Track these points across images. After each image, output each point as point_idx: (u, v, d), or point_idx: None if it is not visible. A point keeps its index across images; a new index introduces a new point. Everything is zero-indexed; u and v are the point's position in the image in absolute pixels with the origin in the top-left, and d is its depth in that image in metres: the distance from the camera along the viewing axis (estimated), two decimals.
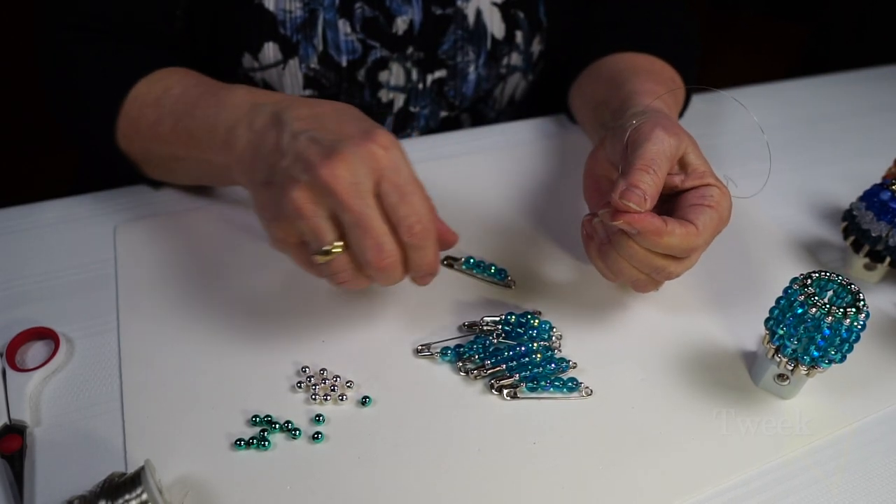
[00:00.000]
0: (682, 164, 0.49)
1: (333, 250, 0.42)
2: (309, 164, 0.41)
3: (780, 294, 0.46)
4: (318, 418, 0.45)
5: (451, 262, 0.56)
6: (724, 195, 0.48)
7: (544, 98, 0.79)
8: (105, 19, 0.58)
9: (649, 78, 0.60)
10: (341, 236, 0.42)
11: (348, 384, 0.47)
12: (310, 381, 0.47)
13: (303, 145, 0.42)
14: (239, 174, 0.48)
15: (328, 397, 0.46)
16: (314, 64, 0.65)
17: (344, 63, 0.66)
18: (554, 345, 0.50)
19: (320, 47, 0.64)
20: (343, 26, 0.64)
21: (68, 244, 0.57)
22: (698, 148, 0.50)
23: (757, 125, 0.62)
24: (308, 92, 0.67)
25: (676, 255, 0.47)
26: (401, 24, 0.66)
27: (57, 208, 0.60)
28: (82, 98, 0.57)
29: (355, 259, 0.42)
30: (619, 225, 0.45)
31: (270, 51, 0.63)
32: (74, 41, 0.58)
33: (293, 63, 0.64)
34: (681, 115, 0.70)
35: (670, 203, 0.49)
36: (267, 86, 0.66)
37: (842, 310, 0.42)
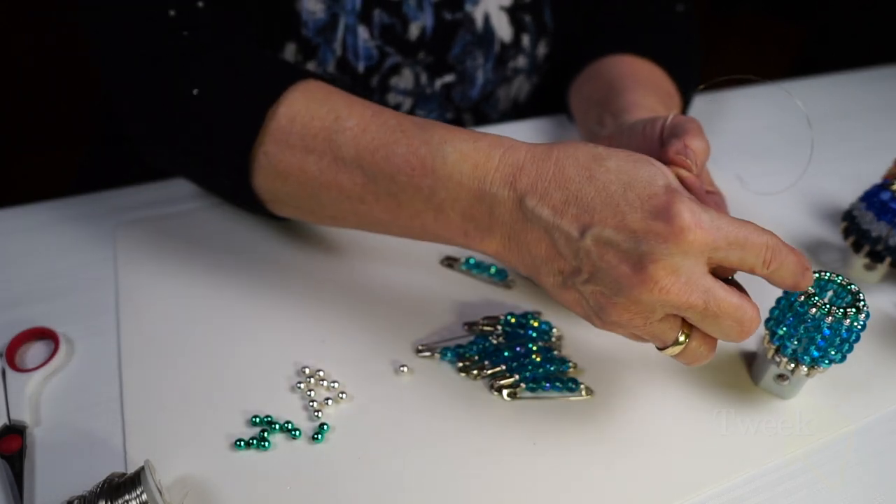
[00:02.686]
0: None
1: (679, 341, 0.38)
2: (621, 286, 0.36)
3: (780, 294, 0.46)
4: (316, 415, 0.45)
5: (450, 262, 0.56)
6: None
7: (547, 100, 0.79)
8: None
9: (649, 92, 0.59)
10: (684, 324, 0.38)
11: (347, 385, 0.47)
12: (309, 381, 0.47)
13: (595, 255, 0.36)
14: (507, 264, 0.43)
15: (329, 399, 0.46)
16: (331, 68, 0.65)
17: (361, 69, 0.65)
18: (554, 345, 0.50)
19: (339, 52, 0.64)
20: (363, 32, 0.64)
21: (68, 244, 0.57)
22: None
23: (804, 116, 0.60)
24: None
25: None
26: (414, 30, 0.66)
27: (57, 208, 0.60)
28: (199, 118, 0.47)
29: (710, 339, 0.38)
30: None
31: (290, 51, 0.63)
32: (146, 43, 0.48)
33: (311, 66, 0.64)
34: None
35: None
36: None
37: (842, 310, 0.42)
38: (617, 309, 0.37)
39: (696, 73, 0.71)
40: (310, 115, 0.44)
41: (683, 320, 0.38)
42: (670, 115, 0.47)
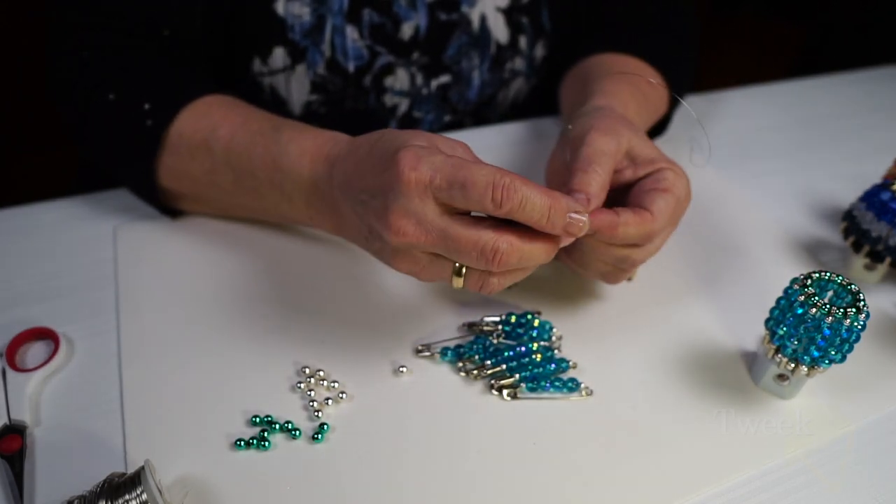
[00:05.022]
0: (631, 157, 0.49)
1: (463, 272, 0.41)
2: (382, 238, 0.41)
3: (780, 294, 0.46)
4: (317, 415, 0.45)
5: None
6: (678, 176, 0.47)
7: (547, 100, 0.80)
8: (123, 18, 0.56)
9: (616, 77, 0.59)
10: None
11: (347, 385, 0.47)
12: (309, 381, 0.47)
13: (361, 214, 0.43)
14: (343, 237, 0.50)
15: (329, 399, 0.46)
16: (321, 70, 0.65)
17: (351, 69, 0.65)
18: (554, 345, 0.50)
19: (327, 53, 0.64)
20: (351, 32, 0.64)
21: (68, 244, 0.57)
22: (646, 138, 0.49)
23: (696, 121, 0.64)
24: (315, 97, 0.67)
25: (636, 243, 0.46)
26: (407, 30, 0.66)
27: (57, 208, 0.60)
28: (111, 124, 0.55)
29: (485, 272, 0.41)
30: None
31: (279, 56, 0.63)
32: (93, 49, 0.55)
33: (300, 69, 0.64)
34: (668, 115, 0.69)
35: (626, 195, 0.49)
36: (274, 91, 0.66)
37: (842, 310, 0.42)
38: (394, 260, 0.41)
39: (689, 73, 0.71)
40: (192, 129, 0.53)
41: None
42: (566, 133, 0.49)
